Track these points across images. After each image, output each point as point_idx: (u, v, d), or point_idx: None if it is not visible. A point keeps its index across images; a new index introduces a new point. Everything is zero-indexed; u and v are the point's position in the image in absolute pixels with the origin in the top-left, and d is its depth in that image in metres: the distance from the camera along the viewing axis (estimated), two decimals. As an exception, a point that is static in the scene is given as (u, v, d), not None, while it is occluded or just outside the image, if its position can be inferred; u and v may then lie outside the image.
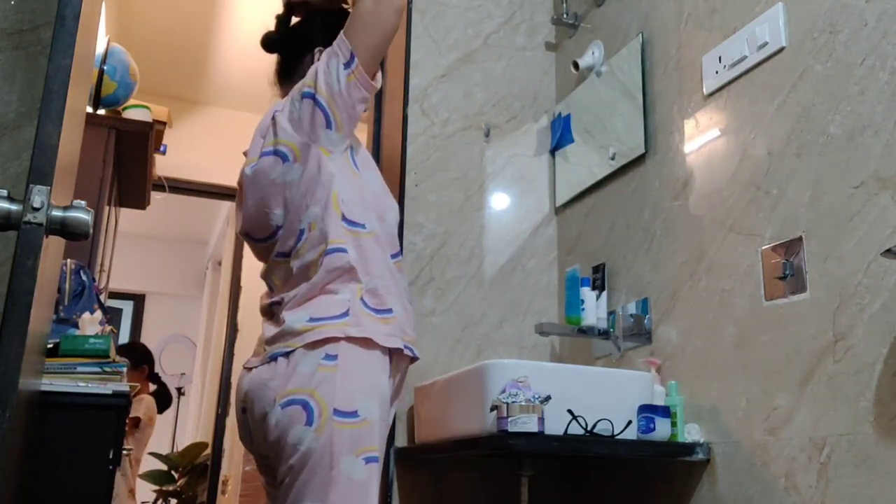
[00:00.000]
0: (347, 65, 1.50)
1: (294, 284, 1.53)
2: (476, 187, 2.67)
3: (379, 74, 1.58)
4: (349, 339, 1.43)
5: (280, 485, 1.42)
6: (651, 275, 2.21)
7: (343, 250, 1.50)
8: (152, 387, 4.09)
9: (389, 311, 1.51)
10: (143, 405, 3.80)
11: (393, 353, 1.51)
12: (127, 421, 3.78)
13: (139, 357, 4.02)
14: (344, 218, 1.52)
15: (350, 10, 1.61)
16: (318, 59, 1.58)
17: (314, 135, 1.53)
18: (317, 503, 1.35)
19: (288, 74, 1.71)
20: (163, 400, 4.10)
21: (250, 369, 1.52)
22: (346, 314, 1.46)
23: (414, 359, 1.59)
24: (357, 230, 1.53)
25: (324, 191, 1.52)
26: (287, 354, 1.44)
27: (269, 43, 1.76)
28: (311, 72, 1.55)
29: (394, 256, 1.60)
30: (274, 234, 1.57)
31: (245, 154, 1.66)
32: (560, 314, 2.62)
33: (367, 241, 1.53)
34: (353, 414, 1.39)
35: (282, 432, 1.39)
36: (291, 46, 1.74)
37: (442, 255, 2.56)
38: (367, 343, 1.45)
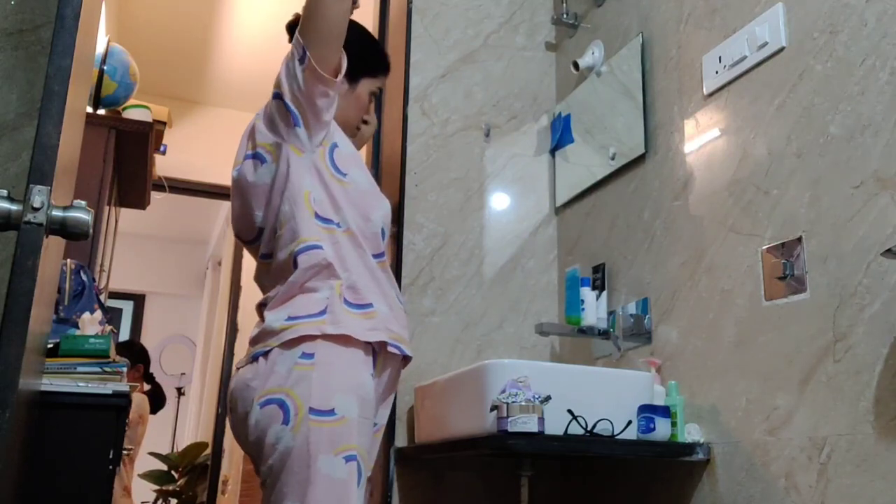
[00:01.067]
0: (301, 60, 1.50)
1: (274, 285, 1.54)
2: (476, 187, 2.67)
3: (343, 66, 1.55)
4: (326, 336, 1.43)
5: (263, 485, 1.43)
6: (651, 275, 2.21)
7: (318, 247, 1.50)
8: (146, 387, 4.05)
9: (370, 305, 1.51)
10: (133, 403, 3.77)
11: (378, 351, 1.51)
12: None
13: (135, 356, 3.99)
14: (317, 216, 1.52)
15: None
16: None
17: (285, 134, 1.54)
18: (296, 503, 1.35)
19: None
20: (156, 401, 4.04)
21: (238, 370, 1.53)
22: (323, 312, 1.46)
23: (406, 358, 1.58)
24: (331, 227, 1.53)
25: (294, 189, 1.52)
26: (266, 354, 1.44)
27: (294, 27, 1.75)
28: (279, 71, 1.56)
29: (377, 257, 1.59)
30: (259, 237, 1.59)
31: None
32: (560, 314, 2.61)
33: (342, 238, 1.53)
34: (330, 412, 1.38)
35: (261, 432, 1.40)
36: None
37: (442, 255, 2.56)
38: (345, 340, 1.45)
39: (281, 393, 1.39)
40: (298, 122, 1.53)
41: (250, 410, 1.42)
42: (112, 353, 1.74)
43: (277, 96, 1.54)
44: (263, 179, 1.55)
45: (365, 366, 1.47)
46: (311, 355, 1.41)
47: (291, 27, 1.74)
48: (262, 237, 1.58)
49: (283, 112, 1.53)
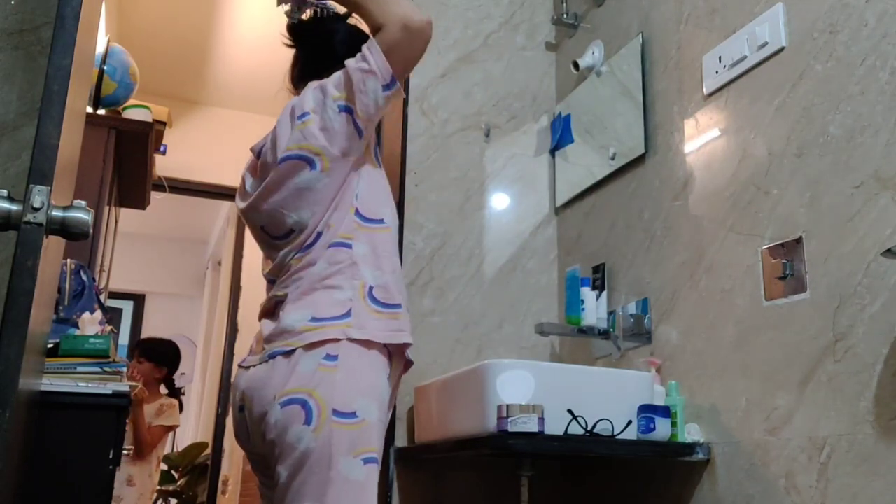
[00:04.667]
0: (388, 87, 1.51)
1: (296, 279, 1.52)
2: (476, 187, 2.66)
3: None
4: (350, 339, 1.44)
5: (277, 484, 1.42)
6: (651, 275, 2.21)
7: (348, 245, 1.50)
8: (164, 390, 3.95)
9: (398, 306, 1.52)
10: (175, 411, 3.79)
11: (393, 354, 1.51)
12: (169, 427, 3.78)
13: (163, 357, 3.92)
14: (357, 213, 1.53)
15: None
16: (354, 64, 1.52)
17: (349, 147, 1.53)
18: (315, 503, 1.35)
19: (311, 73, 1.68)
20: None
21: (248, 368, 1.52)
22: (347, 314, 1.46)
23: (408, 363, 1.58)
24: (373, 226, 1.54)
25: (346, 194, 1.54)
26: (287, 354, 1.43)
27: (298, 30, 1.72)
28: (340, 81, 1.53)
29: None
30: (288, 235, 1.56)
31: (275, 143, 1.59)
32: (560, 314, 2.61)
33: (383, 236, 1.55)
34: (352, 415, 1.39)
35: (280, 431, 1.39)
36: (319, 41, 1.71)
37: (442, 255, 2.56)
38: (367, 344, 1.45)
39: (303, 393, 1.39)
40: (362, 134, 1.55)
41: (269, 410, 1.41)
42: (112, 353, 1.74)
43: (348, 111, 1.52)
44: (310, 185, 1.52)
45: (383, 369, 1.48)
46: (335, 357, 1.41)
47: (293, 29, 1.73)
48: (292, 238, 1.55)
49: (351, 128, 1.53)
